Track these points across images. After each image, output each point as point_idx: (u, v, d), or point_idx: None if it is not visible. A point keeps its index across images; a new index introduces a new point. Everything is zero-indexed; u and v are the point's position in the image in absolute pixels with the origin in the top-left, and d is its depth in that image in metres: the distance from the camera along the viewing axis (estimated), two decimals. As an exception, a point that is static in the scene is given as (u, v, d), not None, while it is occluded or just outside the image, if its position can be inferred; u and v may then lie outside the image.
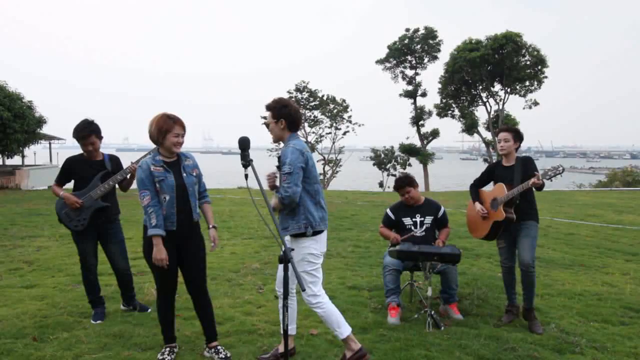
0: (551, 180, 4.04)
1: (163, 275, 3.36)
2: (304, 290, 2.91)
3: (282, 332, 2.80)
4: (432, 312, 4.08)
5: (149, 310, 4.39)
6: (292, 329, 3.54)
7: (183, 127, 3.33)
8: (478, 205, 4.37)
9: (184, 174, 3.36)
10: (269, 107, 3.34)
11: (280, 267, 3.43)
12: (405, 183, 4.64)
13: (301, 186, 3.22)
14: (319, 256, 3.34)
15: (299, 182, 3.20)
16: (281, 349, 3.48)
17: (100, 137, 4.15)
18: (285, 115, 3.29)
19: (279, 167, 3.32)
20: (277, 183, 3.33)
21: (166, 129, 3.27)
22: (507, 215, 4.12)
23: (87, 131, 4.05)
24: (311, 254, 3.28)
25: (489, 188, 4.51)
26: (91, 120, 4.13)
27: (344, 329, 3.29)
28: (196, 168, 3.47)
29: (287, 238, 3.36)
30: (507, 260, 4.32)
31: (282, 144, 3.43)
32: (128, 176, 4.20)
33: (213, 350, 3.46)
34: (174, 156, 3.38)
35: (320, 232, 3.31)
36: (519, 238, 4.18)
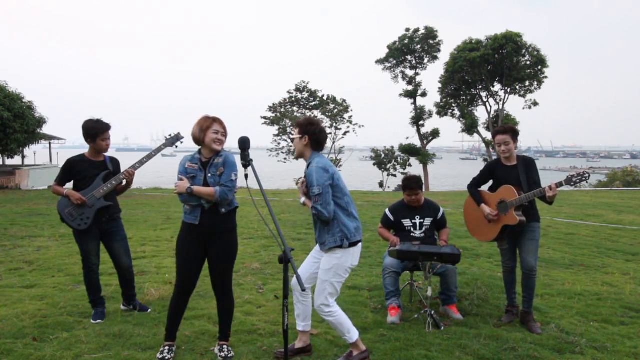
0: (575, 187, 3.93)
1: (183, 269, 3.45)
2: (303, 290, 2.91)
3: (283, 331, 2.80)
4: (432, 312, 4.08)
5: (149, 310, 4.39)
6: (307, 326, 3.59)
7: (222, 125, 3.44)
8: (487, 208, 4.21)
9: (209, 174, 3.41)
10: (296, 124, 3.44)
11: (306, 261, 3.56)
12: (418, 185, 4.62)
13: (332, 203, 3.25)
14: (348, 270, 3.36)
15: (330, 200, 3.24)
16: (298, 345, 3.55)
17: None
18: (310, 133, 3.35)
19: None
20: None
21: (206, 126, 3.39)
22: (520, 219, 4.03)
23: (103, 125, 4.11)
24: (342, 266, 3.30)
25: (484, 188, 4.41)
26: (97, 118, 4.17)
27: (353, 333, 3.36)
28: (222, 166, 3.43)
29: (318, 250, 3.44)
30: (510, 261, 4.29)
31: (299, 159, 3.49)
32: (124, 182, 4.21)
33: (219, 348, 3.52)
34: (209, 156, 3.46)
35: (355, 243, 3.33)
36: (524, 241, 4.13)
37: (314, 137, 3.36)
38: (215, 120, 3.43)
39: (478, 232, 4.42)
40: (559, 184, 3.88)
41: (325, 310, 3.31)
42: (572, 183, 3.90)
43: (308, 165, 3.33)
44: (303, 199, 3.41)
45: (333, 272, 3.29)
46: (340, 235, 3.27)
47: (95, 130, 4.08)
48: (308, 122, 3.41)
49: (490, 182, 4.37)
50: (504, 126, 4.22)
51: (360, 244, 3.39)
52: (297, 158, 3.46)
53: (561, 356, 3.58)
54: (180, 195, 3.38)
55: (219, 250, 3.46)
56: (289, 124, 30.61)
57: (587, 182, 3.92)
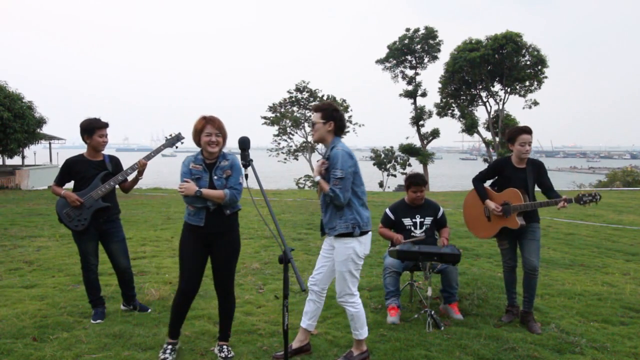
0: (584, 205, 3.98)
1: (187, 270, 3.41)
2: (303, 290, 2.91)
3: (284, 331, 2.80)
4: (432, 312, 4.08)
5: (149, 310, 4.39)
6: (311, 325, 3.60)
7: (215, 126, 3.33)
8: (492, 204, 4.19)
9: (215, 177, 3.39)
10: (319, 108, 3.43)
11: (319, 261, 3.56)
12: (424, 182, 4.63)
13: (350, 190, 3.28)
14: (362, 258, 3.41)
15: (349, 187, 3.27)
16: (295, 345, 3.55)
17: None
18: (335, 119, 3.38)
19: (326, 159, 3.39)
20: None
21: (200, 129, 3.34)
22: (521, 224, 4.06)
23: (101, 122, 4.12)
24: (356, 254, 3.34)
25: (486, 184, 4.42)
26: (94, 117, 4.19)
27: (365, 331, 3.44)
28: (229, 169, 3.42)
29: (330, 238, 3.44)
30: (510, 261, 4.30)
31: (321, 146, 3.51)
32: (136, 172, 4.20)
33: (218, 348, 3.51)
34: (213, 158, 3.42)
35: (366, 232, 3.36)
36: (525, 241, 4.13)
37: (339, 123, 3.40)
38: (209, 121, 3.34)
39: (476, 228, 4.44)
40: (569, 201, 3.87)
41: (349, 301, 3.37)
42: (582, 202, 3.95)
43: (332, 148, 3.34)
44: (318, 178, 3.41)
45: (349, 260, 3.33)
46: (353, 222, 3.30)
47: (93, 125, 4.09)
48: (333, 107, 3.42)
49: (491, 182, 4.37)
50: (527, 126, 4.14)
51: (370, 234, 3.43)
52: (317, 142, 3.46)
53: (561, 356, 3.58)
54: (186, 197, 3.34)
55: (224, 251, 3.46)
56: (289, 124, 30.61)
57: (595, 204, 3.98)
